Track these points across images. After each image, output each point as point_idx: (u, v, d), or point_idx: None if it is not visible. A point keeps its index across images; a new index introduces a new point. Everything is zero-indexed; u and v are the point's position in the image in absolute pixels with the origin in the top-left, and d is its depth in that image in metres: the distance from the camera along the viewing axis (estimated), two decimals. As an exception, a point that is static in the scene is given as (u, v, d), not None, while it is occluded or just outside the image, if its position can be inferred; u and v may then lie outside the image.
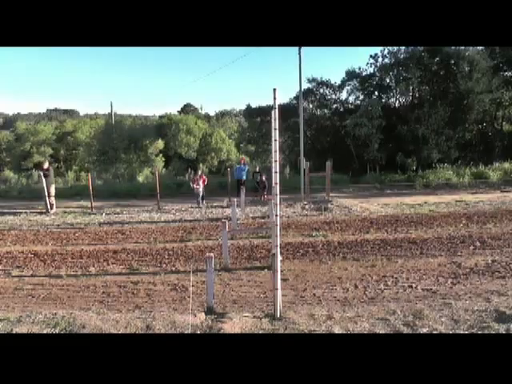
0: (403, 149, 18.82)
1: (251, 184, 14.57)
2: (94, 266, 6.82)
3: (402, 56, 19.70)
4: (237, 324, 3.82)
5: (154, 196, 13.56)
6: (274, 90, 3.73)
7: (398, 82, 19.75)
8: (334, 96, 22.83)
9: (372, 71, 21.39)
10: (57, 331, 3.67)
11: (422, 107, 18.70)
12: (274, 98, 3.74)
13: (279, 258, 3.99)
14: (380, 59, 20.91)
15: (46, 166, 12.87)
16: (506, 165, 17.65)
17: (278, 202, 3.93)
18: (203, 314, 4.17)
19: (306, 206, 12.15)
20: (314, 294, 5.25)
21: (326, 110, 23.17)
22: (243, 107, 25.81)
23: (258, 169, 14.96)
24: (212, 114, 44.57)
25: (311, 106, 23.34)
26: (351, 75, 21.75)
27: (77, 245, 8.15)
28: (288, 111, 19.14)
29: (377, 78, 21.25)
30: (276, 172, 3.89)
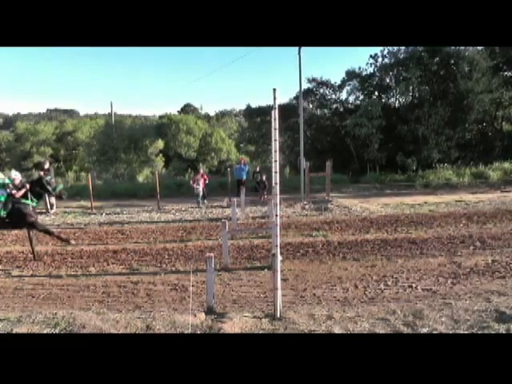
0: (403, 149, 18.83)
1: (251, 184, 14.57)
2: (93, 266, 6.82)
3: (402, 56, 19.73)
4: (237, 324, 3.82)
5: (153, 196, 13.57)
6: (274, 89, 3.73)
7: (398, 82, 19.77)
8: (334, 96, 22.87)
9: (372, 71, 21.44)
10: (57, 331, 3.67)
11: (422, 107, 18.71)
12: (274, 98, 3.74)
13: (279, 257, 3.99)
14: (380, 59, 20.97)
15: (46, 166, 12.86)
16: (506, 165, 17.66)
17: (278, 202, 3.94)
18: (203, 314, 4.17)
19: (306, 206, 12.15)
20: (314, 294, 5.25)
21: (325, 110, 23.21)
22: (243, 107, 25.86)
23: (258, 169, 14.93)
24: (212, 114, 44.59)
25: (311, 106, 23.37)
26: (351, 75, 21.77)
27: (77, 245, 8.15)
28: (288, 111, 19.16)
29: (377, 78, 21.27)
30: (276, 172, 3.89)
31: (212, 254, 4.51)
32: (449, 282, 5.52)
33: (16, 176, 7.39)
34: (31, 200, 7.20)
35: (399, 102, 21.42)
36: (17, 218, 7.06)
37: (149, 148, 23.62)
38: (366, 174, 19.19)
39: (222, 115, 43.06)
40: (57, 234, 7.76)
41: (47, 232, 7.52)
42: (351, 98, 22.59)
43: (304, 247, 7.45)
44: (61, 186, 7.83)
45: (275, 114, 3.79)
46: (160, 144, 24.45)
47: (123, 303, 5.19)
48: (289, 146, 22.02)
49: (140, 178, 21.59)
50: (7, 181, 7.15)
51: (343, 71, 25.90)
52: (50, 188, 7.41)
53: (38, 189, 7.36)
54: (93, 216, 11.63)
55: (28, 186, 7.24)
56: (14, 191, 7.02)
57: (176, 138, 26.41)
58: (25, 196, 7.13)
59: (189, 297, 4.83)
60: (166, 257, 7.18)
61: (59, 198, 7.88)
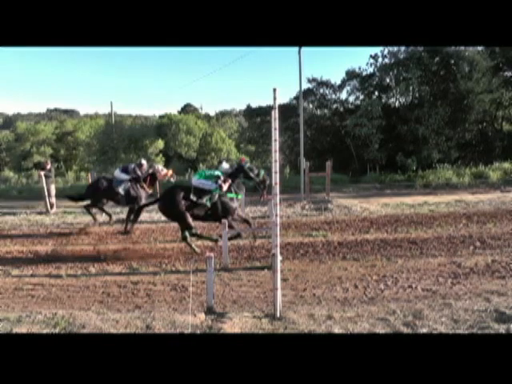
0: (403, 149, 18.83)
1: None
2: (93, 266, 6.82)
3: (402, 56, 19.72)
4: (237, 324, 3.82)
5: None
6: (274, 90, 3.73)
7: (398, 82, 19.76)
8: (333, 96, 22.83)
9: (372, 71, 21.41)
10: (57, 331, 3.67)
11: (422, 107, 18.70)
12: (274, 98, 3.74)
13: (279, 257, 3.99)
14: (380, 59, 20.94)
15: (48, 166, 12.90)
16: (506, 165, 17.64)
17: (278, 202, 3.94)
18: (203, 313, 4.17)
19: (306, 206, 12.14)
20: (314, 294, 5.25)
21: (325, 110, 23.18)
22: (243, 107, 25.86)
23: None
24: (212, 113, 44.49)
25: (311, 106, 23.34)
26: (351, 75, 21.76)
27: (77, 245, 8.15)
28: (288, 111, 19.16)
29: (377, 78, 21.26)
30: (276, 172, 3.89)
31: (212, 254, 4.51)
32: (449, 282, 5.52)
33: (226, 169, 7.47)
34: (235, 193, 7.29)
35: (399, 102, 21.41)
36: (221, 211, 7.16)
37: (149, 148, 23.61)
38: (366, 173, 19.17)
39: (222, 115, 42.95)
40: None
41: (247, 223, 7.52)
42: (351, 98, 22.58)
43: (304, 247, 7.45)
44: (263, 172, 7.73)
45: (275, 114, 3.79)
46: (160, 144, 24.43)
47: (123, 303, 5.19)
48: (289, 145, 22.01)
49: (140, 178, 21.47)
50: (219, 173, 7.30)
51: (343, 71, 25.95)
52: (253, 174, 7.41)
53: (241, 179, 7.40)
54: (93, 216, 11.60)
55: (230, 181, 7.28)
56: (222, 184, 7.09)
57: (176, 137, 26.37)
58: (229, 190, 7.23)
59: (189, 297, 4.83)
60: (166, 257, 7.18)
61: (263, 183, 7.60)
